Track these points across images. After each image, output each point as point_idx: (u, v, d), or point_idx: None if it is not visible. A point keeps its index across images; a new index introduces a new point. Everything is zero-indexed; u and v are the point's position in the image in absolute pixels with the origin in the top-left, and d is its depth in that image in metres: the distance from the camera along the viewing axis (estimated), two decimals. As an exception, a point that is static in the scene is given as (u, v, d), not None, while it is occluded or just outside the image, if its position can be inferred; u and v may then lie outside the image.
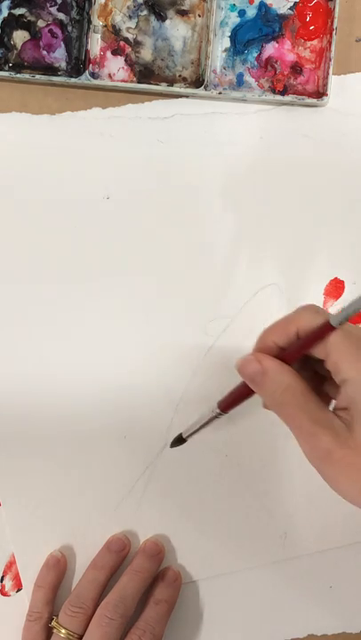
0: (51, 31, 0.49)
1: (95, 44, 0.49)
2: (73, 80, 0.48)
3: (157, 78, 0.49)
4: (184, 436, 0.45)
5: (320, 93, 0.49)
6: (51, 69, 0.49)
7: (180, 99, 0.49)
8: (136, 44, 0.49)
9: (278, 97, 0.49)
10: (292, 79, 0.49)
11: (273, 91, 0.49)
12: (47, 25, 0.49)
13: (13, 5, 0.49)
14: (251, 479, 0.48)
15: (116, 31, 0.49)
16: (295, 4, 0.49)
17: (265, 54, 0.49)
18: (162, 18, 0.49)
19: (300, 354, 0.36)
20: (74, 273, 0.49)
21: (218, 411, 0.41)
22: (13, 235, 0.49)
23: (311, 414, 0.35)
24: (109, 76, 0.49)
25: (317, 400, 0.36)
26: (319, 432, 0.35)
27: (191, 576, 0.48)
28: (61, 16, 0.49)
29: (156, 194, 0.49)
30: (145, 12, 0.49)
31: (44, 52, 0.49)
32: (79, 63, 0.49)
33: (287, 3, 0.49)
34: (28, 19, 0.49)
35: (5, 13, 0.49)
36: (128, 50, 0.49)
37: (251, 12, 0.49)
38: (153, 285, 0.49)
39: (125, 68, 0.49)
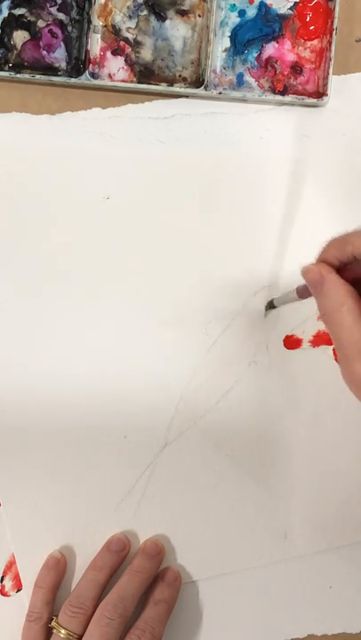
0: (51, 31, 0.49)
1: (95, 43, 0.49)
2: (73, 80, 0.48)
3: (157, 78, 0.49)
4: (275, 304, 0.47)
5: (320, 93, 0.49)
6: (51, 69, 0.49)
7: (180, 99, 0.49)
8: (136, 44, 0.49)
9: (278, 97, 0.49)
10: (292, 79, 0.49)
11: (273, 91, 0.49)
12: (47, 25, 0.49)
13: (13, 5, 0.49)
14: (251, 479, 0.48)
15: (116, 31, 0.49)
16: (295, 3, 0.49)
17: (265, 54, 0.49)
18: (162, 18, 0.49)
19: (355, 274, 0.37)
20: (74, 273, 0.49)
21: (296, 296, 0.42)
22: (13, 235, 0.49)
23: (355, 339, 0.35)
24: (109, 75, 0.49)
25: None
26: (357, 359, 0.35)
27: (191, 576, 0.48)
28: (61, 16, 0.49)
29: (156, 194, 0.49)
30: (145, 12, 0.49)
31: (44, 52, 0.49)
32: (79, 63, 0.49)
33: (287, 3, 0.49)
34: (28, 19, 0.49)
35: (5, 13, 0.49)
36: (128, 50, 0.49)
37: (251, 12, 0.49)
38: (153, 285, 0.49)
39: (125, 67, 0.49)
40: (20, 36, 0.49)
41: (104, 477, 0.48)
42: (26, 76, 0.48)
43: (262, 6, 0.49)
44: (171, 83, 0.49)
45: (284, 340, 0.49)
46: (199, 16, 0.49)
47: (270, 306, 0.48)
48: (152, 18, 0.49)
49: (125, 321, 0.49)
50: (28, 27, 0.49)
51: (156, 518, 0.48)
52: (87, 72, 0.48)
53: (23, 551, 0.48)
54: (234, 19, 0.49)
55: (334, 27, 0.48)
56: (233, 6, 0.49)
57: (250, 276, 0.49)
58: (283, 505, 0.48)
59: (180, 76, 0.49)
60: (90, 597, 0.45)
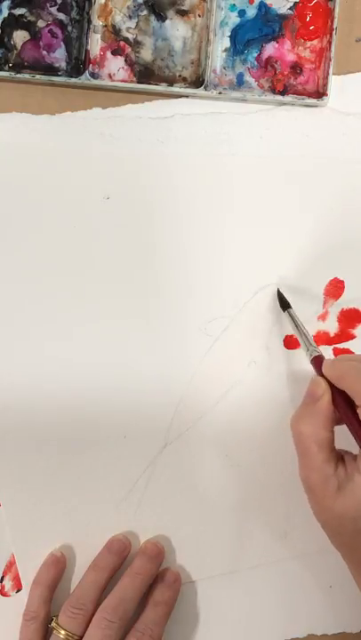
0: (51, 31, 0.49)
1: (95, 44, 0.49)
2: (73, 80, 0.48)
3: (157, 78, 0.49)
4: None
5: (320, 93, 0.49)
6: (51, 69, 0.49)
7: (180, 99, 0.49)
8: (136, 44, 0.49)
9: (278, 97, 0.49)
10: (292, 79, 0.49)
11: (273, 91, 0.49)
12: (47, 25, 0.49)
13: (13, 5, 0.49)
14: (251, 479, 0.48)
15: (116, 31, 0.49)
16: (295, 4, 0.49)
17: (265, 54, 0.49)
18: (162, 18, 0.49)
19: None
20: (73, 273, 0.49)
21: (308, 357, 0.44)
22: (13, 234, 0.49)
23: (317, 466, 0.40)
24: (109, 76, 0.49)
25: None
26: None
27: (191, 576, 0.48)
28: (61, 16, 0.49)
29: (155, 194, 0.49)
30: (145, 12, 0.49)
31: (44, 52, 0.49)
32: (79, 63, 0.49)
33: (287, 3, 0.49)
34: (28, 19, 0.49)
35: (5, 13, 0.49)
36: (128, 50, 0.49)
37: (251, 12, 0.49)
38: (153, 285, 0.49)
39: (125, 68, 0.49)
40: (20, 36, 0.49)
41: (104, 477, 0.48)
42: (26, 76, 0.48)
43: (262, 6, 0.49)
44: (171, 83, 0.49)
45: (284, 340, 0.49)
46: (199, 16, 0.49)
47: (284, 304, 0.48)
48: (152, 18, 0.49)
49: (125, 321, 0.49)
50: (28, 27, 0.49)
51: (156, 518, 0.48)
52: (87, 72, 0.48)
53: (23, 551, 0.48)
54: (234, 19, 0.49)
55: (334, 27, 0.48)
56: (233, 6, 0.49)
57: (250, 276, 0.49)
58: (283, 504, 0.48)
59: (180, 76, 0.49)
60: (90, 598, 0.45)
